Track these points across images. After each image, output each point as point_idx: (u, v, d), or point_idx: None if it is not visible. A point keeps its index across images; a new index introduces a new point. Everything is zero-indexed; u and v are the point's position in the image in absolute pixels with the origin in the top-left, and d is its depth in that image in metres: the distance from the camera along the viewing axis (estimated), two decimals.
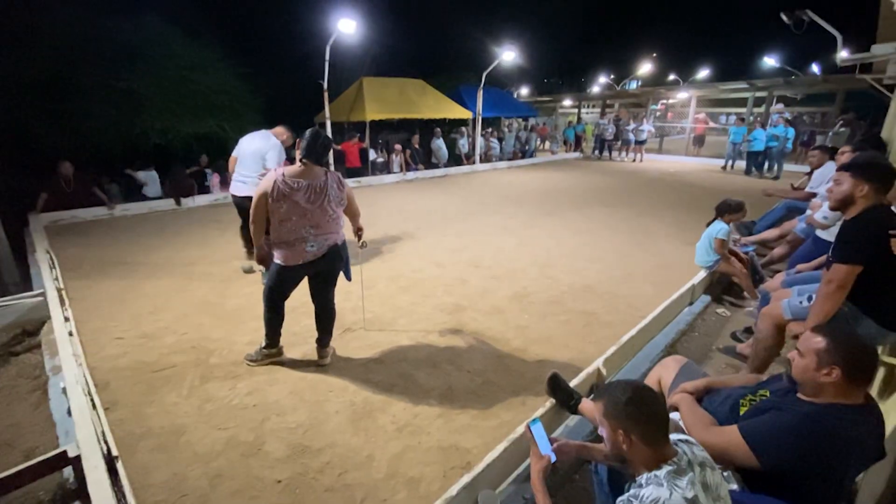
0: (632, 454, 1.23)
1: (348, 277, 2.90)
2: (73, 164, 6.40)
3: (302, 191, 2.47)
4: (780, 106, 16.53)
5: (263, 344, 2.87)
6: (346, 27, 8.20)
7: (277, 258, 2.62)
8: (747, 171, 12.01)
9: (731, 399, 1.77)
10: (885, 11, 5.39)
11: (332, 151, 9.65)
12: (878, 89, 8.89)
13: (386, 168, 11.48)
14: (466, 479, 1.74)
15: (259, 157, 4.32)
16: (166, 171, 8.05)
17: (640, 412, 1.21)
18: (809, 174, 5.55)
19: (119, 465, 1.79)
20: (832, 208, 2.12)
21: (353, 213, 2.86)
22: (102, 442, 1.88)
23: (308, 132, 2.52)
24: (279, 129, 4.55)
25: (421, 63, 17.71)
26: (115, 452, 1.85)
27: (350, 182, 9.86)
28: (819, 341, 1.47)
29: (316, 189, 2.51)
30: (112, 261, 4.88)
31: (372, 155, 11.38)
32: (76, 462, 1.81)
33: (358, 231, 3.00)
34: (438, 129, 12.41)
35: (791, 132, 11.71)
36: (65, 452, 1.82)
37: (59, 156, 6.44)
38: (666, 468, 1.17)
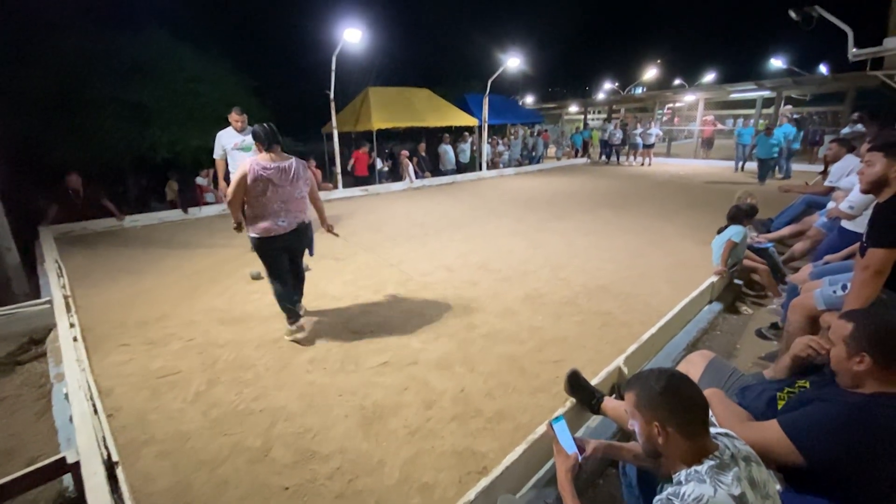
0: (668, 449, 1.12)
1: (311, 252, 3.36)
2: (81, 177, 6.44)
3: (273, 170, 2.96)
4: (789, 107, 16.36)
5: (288, 323, 3.15)
6: (352, 36, 8.26)
7: (255, 232, 3.00)
8: (762, 178, 10.42)
9: (766, 393, 1.66)
10: None
11: (341, 159, 9.70)
12: (890, 86, 8.73)
13: (391, 177, 11.49)
14: (484, 483, 1.63)
15: None
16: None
17: (677, 401, 1.11)
18: (822, 173, 5.41)
19: (119, 472, 1.71)
20: (864, 191, 2.01)
21: (315, 198, 3.34)
22: (103, 447, 1.81)
23: (259, 129, 3.02)
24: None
25: (426, 73, 17.90)
26: (115, 458, 1.77)
27: (357, 191, 9.91)
28: (846, 327, 1.38)
29: (285, 170, 3.01)
30: (121, 269, 4.86)
31: (378, 164, 11.40)
32: (75, 469, 1.73)
33: (329, 228, 3.50)
34: (447, 136, 12.41)
35: (792, 131, 11.39)
36: (63, 459, 1.74)
37: (68, 169, 6.50)
38: (707, 463, 1.06)
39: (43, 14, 7.52)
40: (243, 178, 2.91)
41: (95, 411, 2.11)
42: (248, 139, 5.13)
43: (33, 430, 2.39)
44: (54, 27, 7.78)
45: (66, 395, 2.26)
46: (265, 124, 3.05)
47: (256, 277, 4.45)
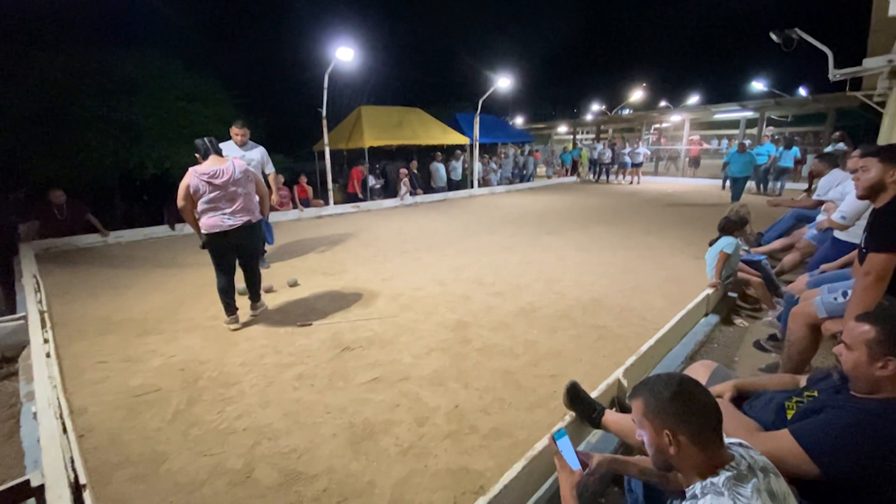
0: (680, 459, 1.04)
1: (270, 242, 4.05)
2: (65, 193, 6.30)
3: (210, 174, 3.21)
4: (771, 128, 16.79)
5: (226, 314, 3.51)
6: (344, 55, 8.33)
7: (204, 229, 3.28)
8: (735, 198, 9.92)
9: (774, 402, 1.59)
10: (877, 23, 5.45)
11: (331, 173, 9.68)
12: (869, 106, 8.97)
13: (384, 194, 11.48)
14: (481, 502, 1.53)
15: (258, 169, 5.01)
16: (163, 200, 7.98)
17: (689, 407, 1.03)
18: (807, 190, 5.49)
19: (86, 496, 1.58)
20: (860, 196, 2.00)
21: (262, 194, 3.61)
22: (70, 469, 1.67)
23: (199, 141, 3.34)
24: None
25: (418, 92, 18.13)
26: (83, 481, 1.64)
27: (349, 207, 9.85)
28: (868, 331, 1.31)
29: (224, 172, 3.26)
30: (102, 285, 4.71)
31: (370, 181, 11.40)
32: (39, 493, 1.59)
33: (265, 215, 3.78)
34: (439, 153, 12.48)
35: (772, 149, 11.55)
36: (27, 482, 1.61)
37: (53, 186, 6.36)
38: (724, 474, 0.99)
39: (29, 29, 7.47)
40: (186, 187, 3.20)
41: (65, 431, 1.97)
42: (250, 154, 4.99)
43: (0, 453, 2.24)
44: (42, 43, 7.72)
45: (35, 415, 2.12)
46: (204, 138, 3.36)
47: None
